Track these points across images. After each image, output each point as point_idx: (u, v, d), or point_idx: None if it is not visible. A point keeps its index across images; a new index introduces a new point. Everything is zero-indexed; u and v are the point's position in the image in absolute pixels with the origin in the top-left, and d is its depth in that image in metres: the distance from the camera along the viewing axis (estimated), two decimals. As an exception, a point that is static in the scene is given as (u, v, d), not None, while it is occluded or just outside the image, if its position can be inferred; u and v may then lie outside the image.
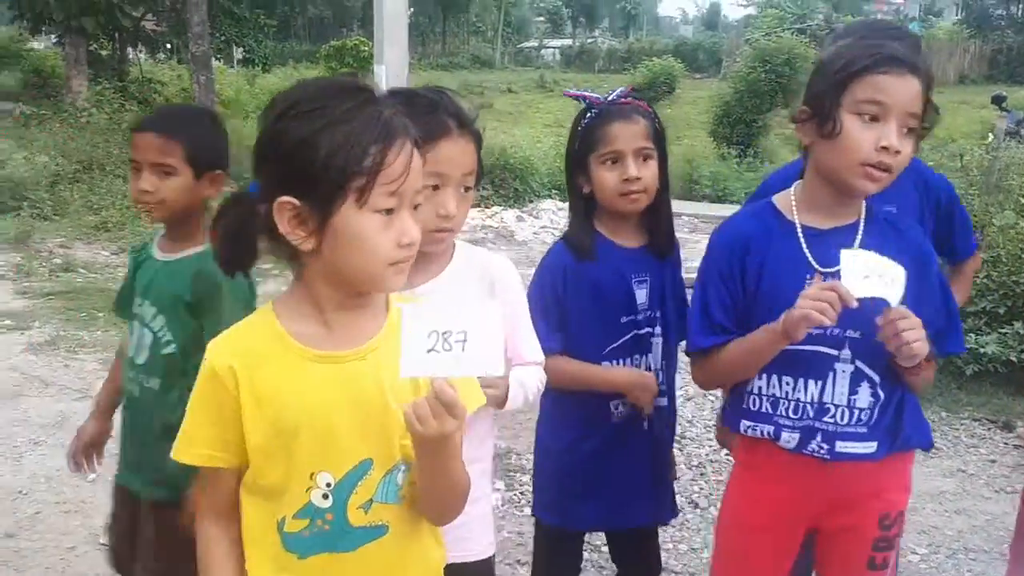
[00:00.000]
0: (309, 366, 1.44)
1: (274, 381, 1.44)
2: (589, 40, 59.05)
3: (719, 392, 5.18)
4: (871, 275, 1.75)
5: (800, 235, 1.94)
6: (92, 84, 16.78)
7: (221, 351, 1.47)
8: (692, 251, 9.52)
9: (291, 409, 1.43)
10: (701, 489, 4.17)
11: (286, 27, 44.71)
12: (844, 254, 1.78)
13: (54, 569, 3.40)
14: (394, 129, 1.37)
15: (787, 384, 1.94)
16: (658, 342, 2.33)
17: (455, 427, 1.33)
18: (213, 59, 16.30)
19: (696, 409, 5.12)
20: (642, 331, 2.30)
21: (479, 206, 11.19)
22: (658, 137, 2.25)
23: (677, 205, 12.21)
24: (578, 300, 2.26)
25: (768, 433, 1.96)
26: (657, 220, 2.31)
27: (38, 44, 23.56)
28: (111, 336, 6.03)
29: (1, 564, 3.39)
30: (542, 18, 75.71)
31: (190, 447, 1.48)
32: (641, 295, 2.29)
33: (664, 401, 2.36)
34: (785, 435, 1.94)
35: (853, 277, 1.74)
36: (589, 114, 2.27)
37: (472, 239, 9.86)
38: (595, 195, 2.26)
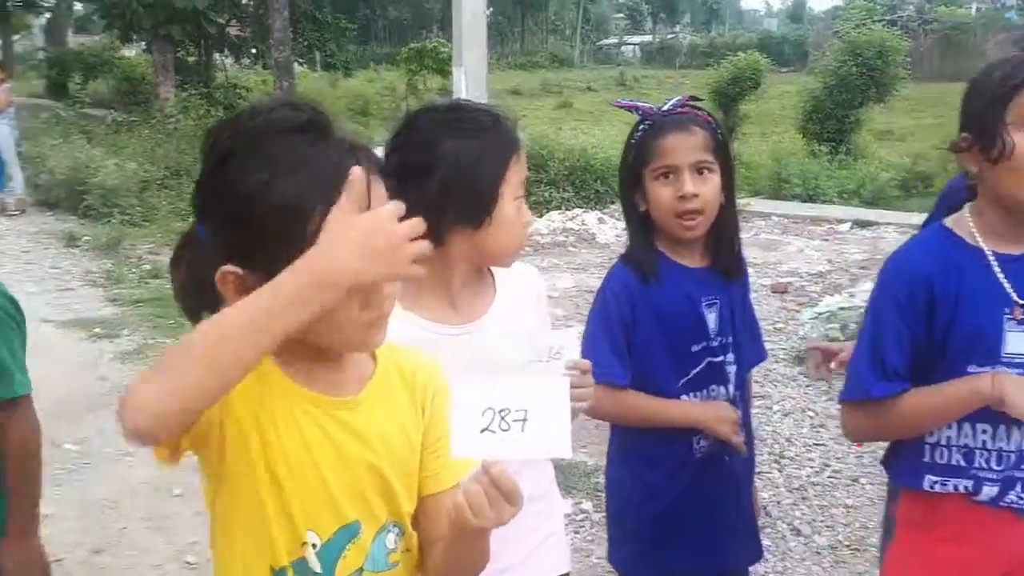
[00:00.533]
0: (299, 407, 1.25)
1: (262, 415, 1.23)
2: (670, 36, 58.45)
3: (818, 407, 5.00)
4: None
5: (993, 263, 1.72)
6: (179, 91, 17.20)
7: None
8: (784, 253, 9.31)
9: (279, 452, 1.23)
10: (803, 515, 3.91)
11: (367, 30, 45.33)
12: None
13: (139, 588, 3.38)
14: (346, 172, 1.12)
15: (984, 432, 1.73)
16: (732, 370, 2.13)
17: (513, 516, 1.15)
18: (296, 63, 16.53)
19: (795, 426, 4.86)
20: (717, 359, 2.10)
21: (560, 208, 11.03)
22: (720, 149, 2.05)
23: (766, 205, 11.96)
24: (646, 327, 2.07)
25: (966, 488, 1.75)
26: (721, 238, 2.11)
27: (129, 52, 24.25)
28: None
29: (88, 583, 3.38)
30: (621, 15, 75.31)
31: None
32: (712, 319, 2.09)
33: (741, 434, 2.14)
34: (986, 488, 1.74)
35: None
36: (642, 126, 2.08)
37: (553, 242, 9.72)
38: (651, 213, 2.09)
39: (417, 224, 1.10)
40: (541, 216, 10.66)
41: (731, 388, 2.12)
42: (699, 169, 2.00)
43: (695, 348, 2.08)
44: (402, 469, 1.32)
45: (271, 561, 1.27)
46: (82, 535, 3.72)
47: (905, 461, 1.83)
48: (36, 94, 21.03)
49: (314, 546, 1.27)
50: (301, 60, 21.86)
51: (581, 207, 11.23)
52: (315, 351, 1.26)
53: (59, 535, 3.69)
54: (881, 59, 14.22)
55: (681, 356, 2.08)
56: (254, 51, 23.75)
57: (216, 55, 21.62)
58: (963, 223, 1.77)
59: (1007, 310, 1.69)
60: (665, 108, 2.08)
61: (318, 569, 1.27)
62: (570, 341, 1.57)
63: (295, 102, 1.23)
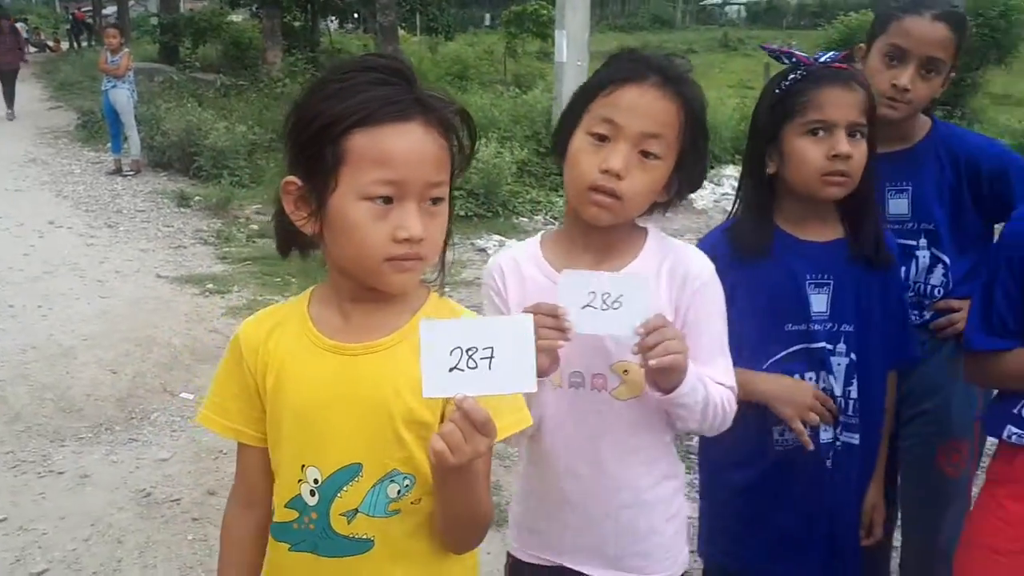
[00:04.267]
0: (317, 352, 1.38)
1: (287, 362, 1.40)
2: (776, -5, 56.47)
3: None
4: None
5: None
6: (286, 55, 17.56)
7: (252, 326, 1.47)
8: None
9: (288, 393, 1.38)
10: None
11: (467, -7, 45.25)
12: None
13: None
14: (400, 105, 1.26)
15: None
16: (842, 362, 1.91)
17: (487, 447, 1.22)
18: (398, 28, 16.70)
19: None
20: (815, 345, 1.89)
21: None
22: (872, 114, 1.87)
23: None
24: (739, 301, 1.83)
25: None
26: (860, 214, 1.90)
27: (236, 17, 24.82)
28: (302, 301, 6.26)
29: (205, 520, 3.56)
30: (726, -26, 73.11)
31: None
32: (819, 301, 1.89)
33: (855, 439, 1.93)
34: None
35: None
36: (793, 75, 1.88)
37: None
38: (784, 175, 1.88)
39: None
40: (639, 180, 10.51)
41: (834, 381, 1.91)
42: (853, 132, 1.83)
43: (789, 328, 1.90)
44: (413, 419, 1.34)
45: (285, 491, 1.40)
46: (197, 477, 3.91)
47: (997, 410, 1.83)
48: (150, 58, 21.68)
49: (316, 481, 1.36)
50: (403, 24, 22.05)
51: (680, 172, 11.02)
52: (350, 288, 1.37)
53: (176, 476, 3.91)
54: (1005, 19, 13.53)
55: (770, 335, 1.90)
56: (357, 15, 24.04)
57: (321, 20, 21.95)
58: None
59: None
60: (823, 59, 1.90)
61: (311, 503, 1.37)
62: (632, 289, 1.49)
63: (384, 55, 1.37)
